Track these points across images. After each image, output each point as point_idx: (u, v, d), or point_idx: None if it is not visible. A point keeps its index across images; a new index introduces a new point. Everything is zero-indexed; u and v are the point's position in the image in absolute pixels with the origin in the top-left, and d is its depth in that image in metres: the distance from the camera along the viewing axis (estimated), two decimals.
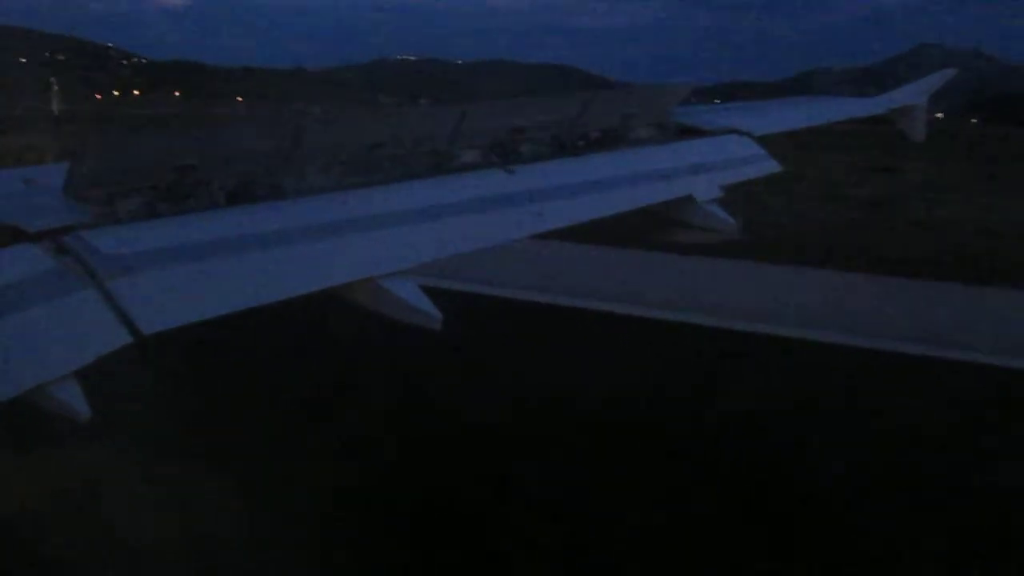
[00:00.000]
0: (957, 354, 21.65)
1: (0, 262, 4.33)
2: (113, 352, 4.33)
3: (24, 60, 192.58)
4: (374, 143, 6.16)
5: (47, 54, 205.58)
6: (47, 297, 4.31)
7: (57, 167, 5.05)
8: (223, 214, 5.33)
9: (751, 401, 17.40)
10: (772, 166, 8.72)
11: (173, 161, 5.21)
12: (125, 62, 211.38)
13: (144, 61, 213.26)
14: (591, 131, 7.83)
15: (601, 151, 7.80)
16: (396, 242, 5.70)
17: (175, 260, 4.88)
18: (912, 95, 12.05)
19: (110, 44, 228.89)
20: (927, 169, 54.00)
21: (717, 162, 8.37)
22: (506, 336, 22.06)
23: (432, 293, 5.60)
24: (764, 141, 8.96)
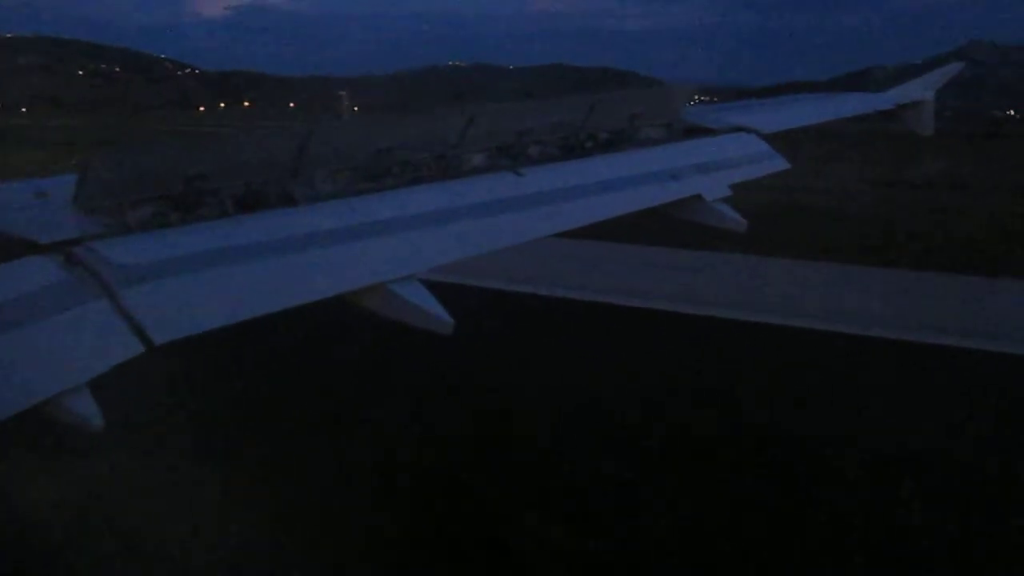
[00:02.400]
0: None
1: (11, 274, 4.35)
2: (125, 362, 4.32)
3: (82, 72, 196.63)
4: (382, 148, 6.11)
5: (103, 66, 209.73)
6: (59, 308, 4.31)
7: (68, 178, 5.04)
8: (233, 222, 5.29)
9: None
10: (781, 164, 8.66)
11: (183, 170, 5.18)
12: (180, 73, 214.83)
13: (197, 72, 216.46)
14: (599, 132, 7.77)
15: (609, 152, 7.74)
16: (405, 247, 5.68)
17: (186, 269, 4.87)
18: (920, 90, 12.02)
19: (163, 55, 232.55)
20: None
21: (725, 160, 8.32)
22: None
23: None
24: (772, 138, 8.89)
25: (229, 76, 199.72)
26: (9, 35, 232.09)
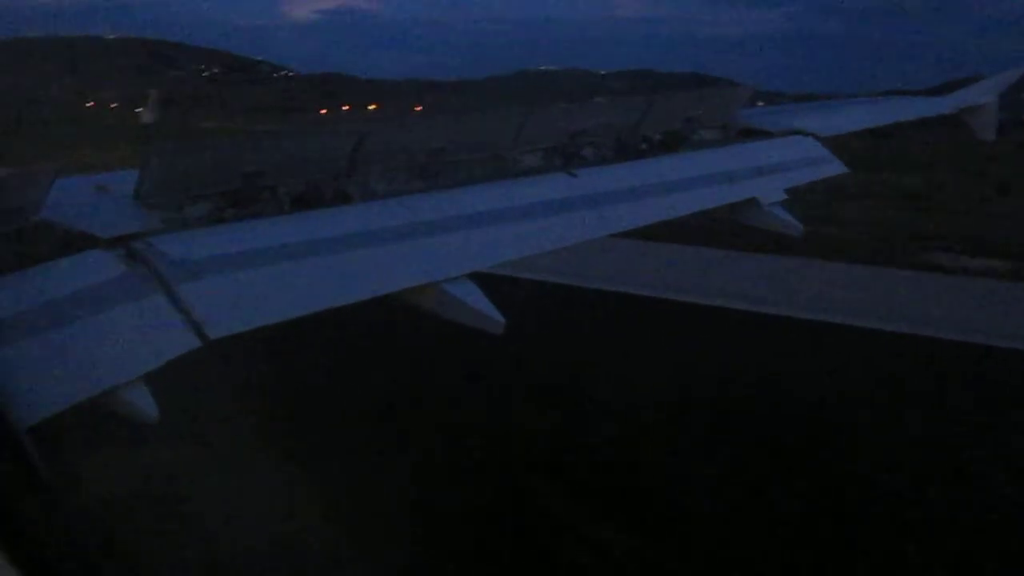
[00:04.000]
0: None
1: (73, 268, 4.51)
2: (182, 356, 4.41)
3: (182, 72, 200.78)
4: (436, 148, 6.15)
5: (200, 68, 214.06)
6: (118, 302, 4.48)
7: (128, 174, 5.19)
8: (289, 220, 5.40)
9: None
10: (838, 168, 8.53)
11: (240, 167, 5.28)
12: (276, 75, 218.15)
13: (292, 74, 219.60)
14: (654, 134, 7.72)
15: (664, 154, 7.68)
16: (459, 247, 5.72)
17: (241, 265, 4.99)
18: (981, 94, 11.70)
19: (260, 58, 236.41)
20: None
21: (781, 164, 8.26)
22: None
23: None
24: (830, 142, 8.73)
25: (325, 78, 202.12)
26: (112, 36, 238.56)
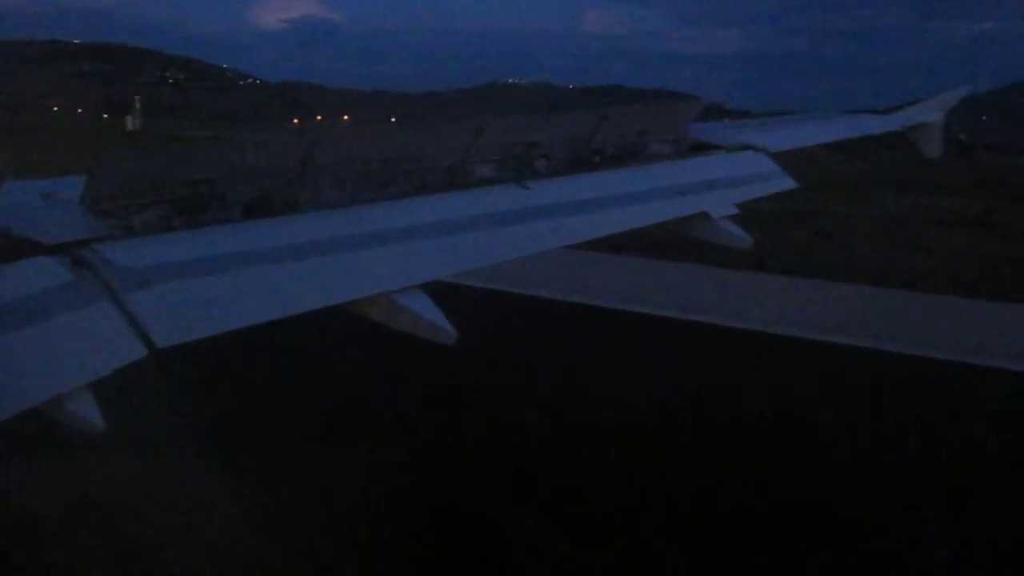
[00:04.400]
0: None
1: (17, 274, 4.39)
2: (128, 365, 4.33)
3: (144, 80, 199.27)
4: (388, 157, 6.13)
5: (166, 74, 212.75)
6: (63, 309, 4.36)
7: (74, 179, 5.10)
8: (238, 228, 5.33)
9: None
10: (787, 183, 8.58)
11: (189, 174, 5.21)
12: (242, 83, 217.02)
13: (259, 81, 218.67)
14: (606, 147, 7.75)
15: (616, 167, 7.71)
16: (410, 257, 5.68)
17: (190, 273, 4.90)
18: (927, 112, 11.82)
19: (225, 65, 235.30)
20: None
21: (732, 178, 8.27)
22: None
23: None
24: (779, 157, 8.83)
25: (291, 87, 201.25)
26: (77, 41, 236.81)
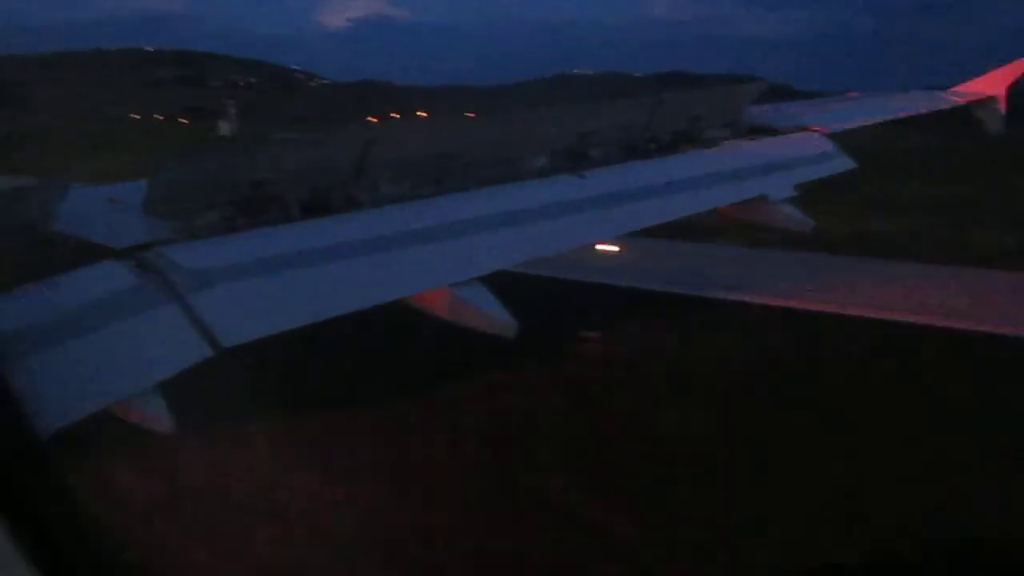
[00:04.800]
0: None
1: (86, 279, 4.50)
2: (195, 365, 4.41)
3: (217, 84, 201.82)
4: (445, 152, 6.16)
5: (236, 77, 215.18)
6: (130, 312, 4.46)
7: (139, 184, 5.21)
8: (298, 227, 5.40)
9: None
10: (846, 163, 8.42)
11: (249, 176, 5.31)
12: (313, 83, 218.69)
13: (328, 82, 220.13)
14: (662, 133, 7.69)
15: (672, 153, 7.65)
16: (468, 250, 5.68)
17: (252, 273, 4.98)
18: (988, 86, 11.38)
19: (295, 67, 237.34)
20: None
21: (790, 160, 8.14)
22: None
23: None
24: (838, 137, 8.69)
25: (363, 86, 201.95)
26: (150, 49, 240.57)
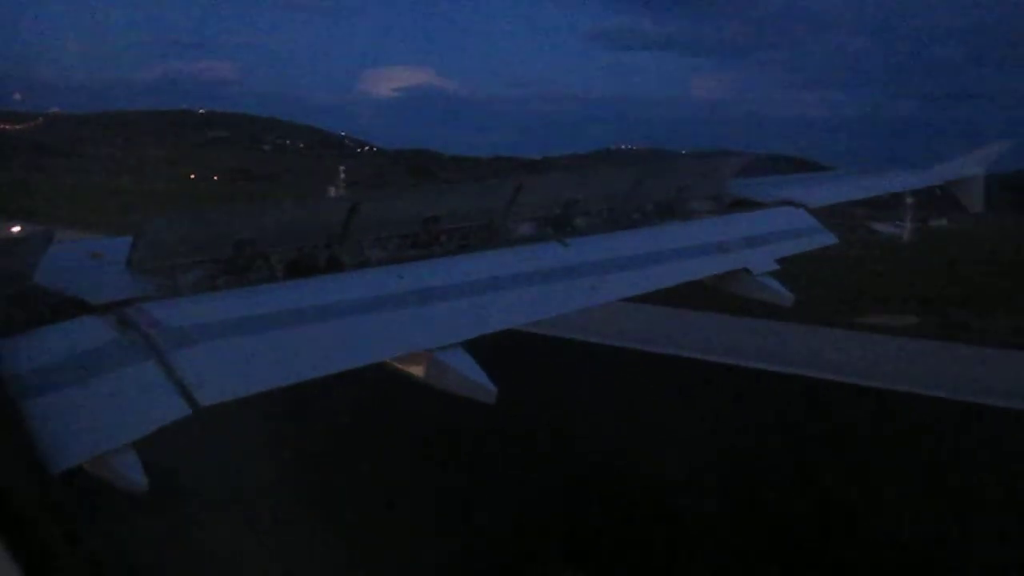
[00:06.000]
0: None
1: (65, 333, 4.49)
2: (171, 423, 4.39)
3: (267, 148, 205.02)
4: (429, 216, 6.19)
5: (287, 142, 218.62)
6: (109, 368, 4.44)
7: (122, 240, 5.24)
8: (281, 287, 5.42)
9: None
10: (828, 238, 8.46)
11: (233, 235, 5.33)
12: (359, 150, 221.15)
13: (376, 148, 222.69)
14: (646, 203, 7.72)
15: (656, 223, 7.67)
16: (451, 315, 5.70)
17: (233, 332, 4.98)
18: (968, 166, 11.71)
19: (343, 133, 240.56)
20: None
21: (772, 234, 8.23)
22: None
23: None
24: (819, 213, 8.73)
25: (410, 154, 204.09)
26: (202, 111, 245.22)
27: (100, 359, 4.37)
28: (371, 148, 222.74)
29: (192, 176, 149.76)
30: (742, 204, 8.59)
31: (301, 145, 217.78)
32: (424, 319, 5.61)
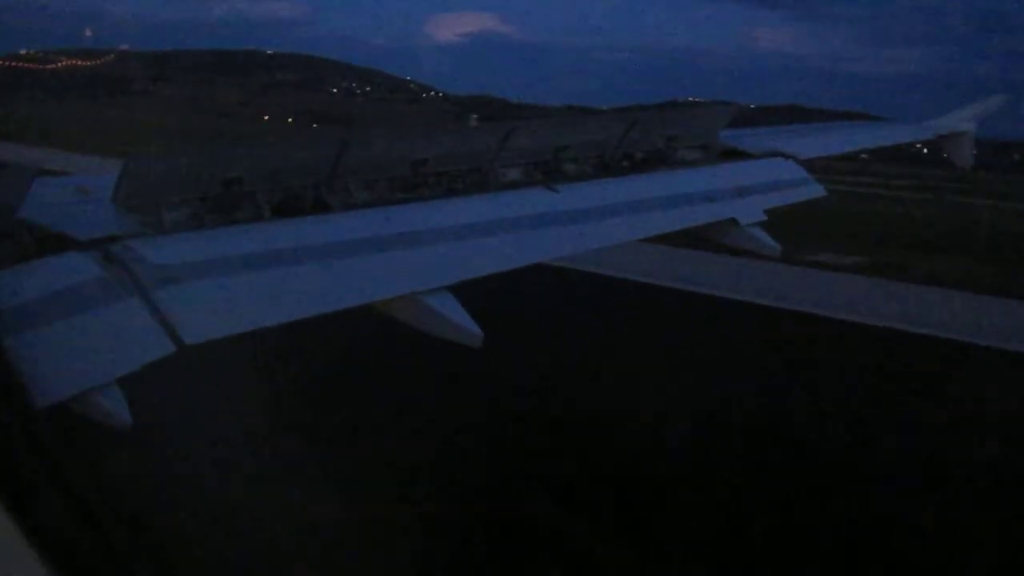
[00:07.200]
0: None
1: (50, 269, 4.48)
2: (156, 361, 4.37)
3: (335, 89, 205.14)
4: (417, 159, 6.13)
5: (353, 85, 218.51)
6: (93, 305, 4.41)
7: (109, 177, 5.21)
8: (268, 227, 5.39)
9: None
10: (817, 190, 8.30)
11: (220, 173, 5.31)
12: (425, 95, 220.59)
13: (442, 94, 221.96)
14: (635, 151, 7.61)
15: (645, 172, 7.56)
16: (437, 259, 5.64)
17: (219, 271, 4.94)
18: (960, 121, 11.43)
19: (408, 77, 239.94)
20: None
21: (761, 185, 8.08)
22: None
23: None
24: (809, 164, 8.57)
25: (476, 100, 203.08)
26: (270, 52, 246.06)
27: (85, 296, 4.37)
28: (436, 93, 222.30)
29: (266, 118, 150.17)
30: (731, 155, 8.46)
31: (368, 88, 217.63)
32: (410, 262, 5.57)
